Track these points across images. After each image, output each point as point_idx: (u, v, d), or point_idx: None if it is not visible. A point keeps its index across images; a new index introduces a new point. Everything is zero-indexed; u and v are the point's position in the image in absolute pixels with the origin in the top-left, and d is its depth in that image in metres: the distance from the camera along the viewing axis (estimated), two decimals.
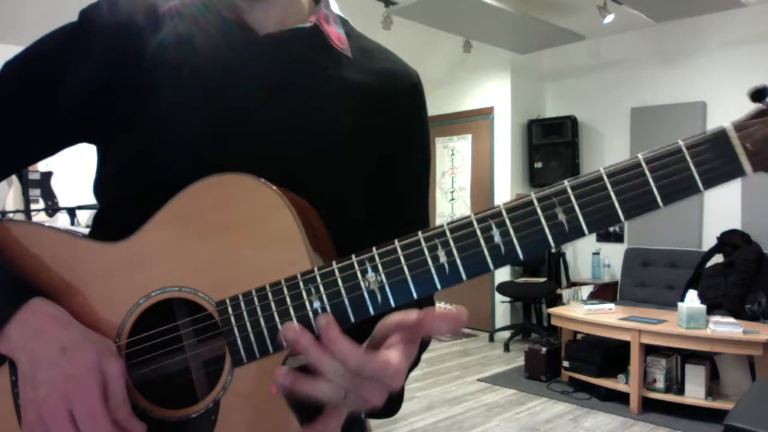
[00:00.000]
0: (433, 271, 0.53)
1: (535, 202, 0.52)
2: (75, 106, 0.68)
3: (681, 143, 0.49)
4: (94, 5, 0.70)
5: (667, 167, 0.49)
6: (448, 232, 0.53)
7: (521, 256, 0.52)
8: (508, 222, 0.52)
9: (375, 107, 0.73)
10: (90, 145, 0.74)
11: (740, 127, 0.47)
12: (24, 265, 0.64)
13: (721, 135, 0.48)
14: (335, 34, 0.74)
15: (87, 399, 0.56)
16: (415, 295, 0.54)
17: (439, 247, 0.53)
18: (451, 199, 6.14)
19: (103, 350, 0.59)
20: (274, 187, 0.60)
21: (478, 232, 0.52)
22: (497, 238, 0.52)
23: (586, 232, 0.50)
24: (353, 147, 0.71)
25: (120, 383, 0.58)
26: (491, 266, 0.52)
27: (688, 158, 0.49)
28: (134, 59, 0.67)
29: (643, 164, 0.50)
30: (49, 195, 4.38)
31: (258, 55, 0.69)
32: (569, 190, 0.51)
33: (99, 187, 0.72)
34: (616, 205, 0.50)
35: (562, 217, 0.51)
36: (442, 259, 0.53)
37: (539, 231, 0.51)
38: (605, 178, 0.50)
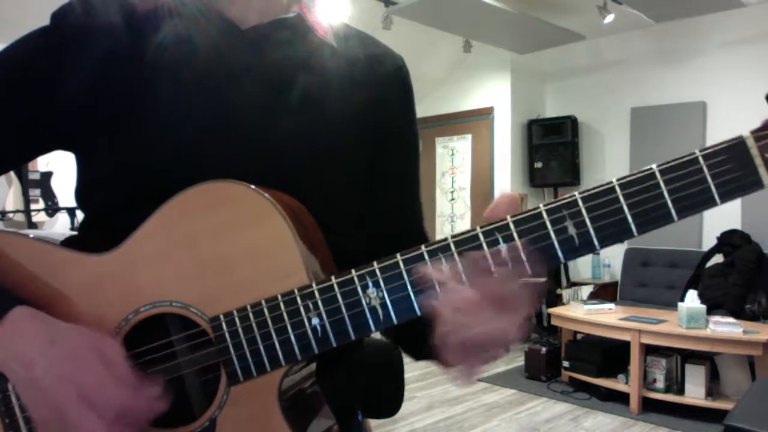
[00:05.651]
0: (437, 286, 0.51)
1: (544, 214, 0.49)
2: (56, 112, 0.65)
3: (698, 153, 0.46)
4: (67, 6, 0.67)
5: (683, 179, 0.46)
6: (452, 246, 0.51)
7: (529, 272, 0.50)
8: (515, 236, 0.50)
9: (364, 94, 0.72)
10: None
11: (759, 136, 0.44)
12: (6, 277, 0.62)
13: (739, 144, 0.45)
14: (318, 23, 0.73)
15: (90, 373, 0.54)
16: (418, 311, 0.52)
17: (443, 261, 0.51)
18: (451, 199, 6.12)
19: (93, 333, 0.57)
20: (266, 194, 0.58)
21: (485, 246, 0.50)
22: None
23: (597, 246, 0.48)
24: (347, 137, 0.70)
25: (119, 355, 0.56)
26: None
27: (705, 169, 0.46)
28: (113, 60, 0.65)
29: (658, 175, 0.47)
30: (49, 195, 4.35)
31: (242, 50, 0.67)
32: (580, 203, 0.49)
33: (84, 193, 0.70)
34: (629, 218, 0.47)
35: (572, 230, 0.49)
36: None
37: (548, 246, 0.49)
38: (618, 189, 0.48)
